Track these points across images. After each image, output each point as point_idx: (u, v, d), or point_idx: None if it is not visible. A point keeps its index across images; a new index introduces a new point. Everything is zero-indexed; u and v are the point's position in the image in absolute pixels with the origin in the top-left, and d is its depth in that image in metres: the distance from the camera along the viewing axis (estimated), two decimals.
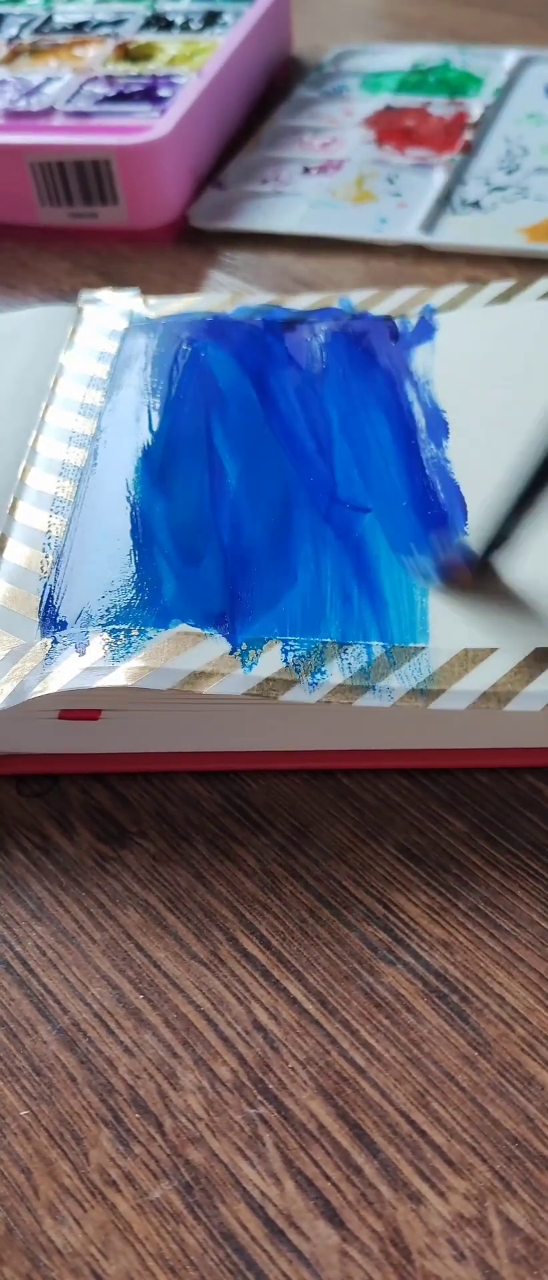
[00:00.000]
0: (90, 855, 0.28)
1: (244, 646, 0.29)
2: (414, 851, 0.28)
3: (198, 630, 0.30)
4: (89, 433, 0.37)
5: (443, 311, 0.41)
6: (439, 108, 0.59)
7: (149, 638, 0.29)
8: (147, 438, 0.36)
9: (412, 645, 0.29)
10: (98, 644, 0.29)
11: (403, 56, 0.65)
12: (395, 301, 0.42)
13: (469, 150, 0.55)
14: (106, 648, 0.29)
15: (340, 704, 0.28)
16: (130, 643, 0.29)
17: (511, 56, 0.63)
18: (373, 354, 0.39)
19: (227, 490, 0.34)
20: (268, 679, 0.28)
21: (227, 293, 0.47)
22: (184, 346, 0.40)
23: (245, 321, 0.42)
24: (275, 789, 0.29)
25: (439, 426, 0.36)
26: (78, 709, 0.29)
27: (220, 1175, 0.23)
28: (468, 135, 0.56)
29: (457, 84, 0.61)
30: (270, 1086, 0.24)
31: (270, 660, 0.29)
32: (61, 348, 0.41)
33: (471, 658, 0.29)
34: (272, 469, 0.35)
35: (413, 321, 0.41)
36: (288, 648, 0.29)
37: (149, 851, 0.28)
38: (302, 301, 0.43)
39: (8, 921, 0.27)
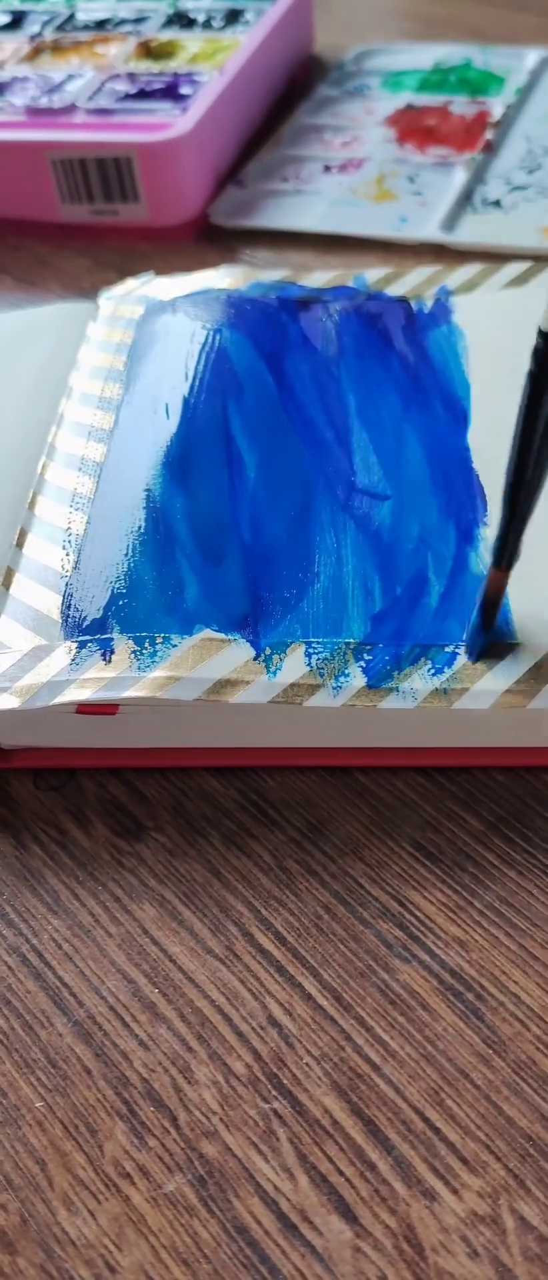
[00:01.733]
0: (106, 849, 0.29)
1: (268, 651, 0.29)
2: (430, 849, 0.28)
3: (222, 636, 0.30)
4: (107, 427, 0.37)
5: (459, 294, 0.41)
6: (460, 107, 0.59)
7: (174, 645, 0.29)
8: (165, 431, 0.36)
9: (435, 644, 0.29)
10: (123, 652, 0.29)
11: (424, 55, 0.65)
12: (411, 282, 0.42)
13: (490, 149, 0.55)
14: (132, 656, 0.29)
15: (364, 706, 0.28)
16: (155, 651, 0.29)
17: (532, 56, 0.63)
18: (389, 337, 0.39)
19: (246, 484, 0.34)
20: (292, 685, 0.28)
21: (240, 268, 0.46)
22: (200, 331, 0.40)
23: (259, 300, 0.41)
24: (292, 785, 0.29)
25: (458, 414, 0.36)
26: (95, 704, 0.29)
27: (234, 1169, 0.23)
28: (489, 134, 0.56)
29: (478, 83, 0.61)
30: (285, 1082, 0.24)
31: (294, 664, 0.29)
32: (81, 344, 0.42)
33: (492, 654, 0.28)
34: (290, 459, 0.35)
35: (429, 304, 0.41)
36: (311, 650, 0.29)
37: (165, 846, 0.28)
38: (316, 279, 0.43)
39: (24, 914, 0.27)
